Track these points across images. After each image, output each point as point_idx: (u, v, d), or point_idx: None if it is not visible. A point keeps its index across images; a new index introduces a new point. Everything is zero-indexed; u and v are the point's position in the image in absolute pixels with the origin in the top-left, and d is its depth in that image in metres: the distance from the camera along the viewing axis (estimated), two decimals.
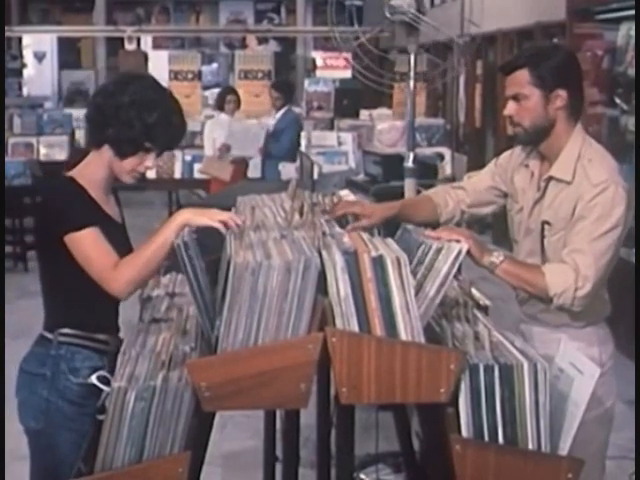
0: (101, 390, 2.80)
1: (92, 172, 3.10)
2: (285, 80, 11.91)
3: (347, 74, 15.77)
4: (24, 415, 3.08)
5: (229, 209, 3.29)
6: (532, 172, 3.34)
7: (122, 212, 3.30)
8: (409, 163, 5.72)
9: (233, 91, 10.49)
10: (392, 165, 6.67)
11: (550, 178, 3.24)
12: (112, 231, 3.08)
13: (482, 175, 3.56)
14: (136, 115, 2.99)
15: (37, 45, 18.30)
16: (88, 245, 2.95)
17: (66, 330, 3.05)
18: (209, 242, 3.29)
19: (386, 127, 9.79)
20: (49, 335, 3.07)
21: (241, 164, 9.85)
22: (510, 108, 3.24)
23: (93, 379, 2.91)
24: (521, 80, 3.19)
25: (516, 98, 3.21)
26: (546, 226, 3.24)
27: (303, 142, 10.19)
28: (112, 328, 3.20)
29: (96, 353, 3.09)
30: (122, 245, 3.10)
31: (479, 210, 3.55)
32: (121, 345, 3.11)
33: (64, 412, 3.03)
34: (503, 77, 3.29)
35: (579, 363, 2.58)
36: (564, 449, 2.54)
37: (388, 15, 5.42)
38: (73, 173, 3.10)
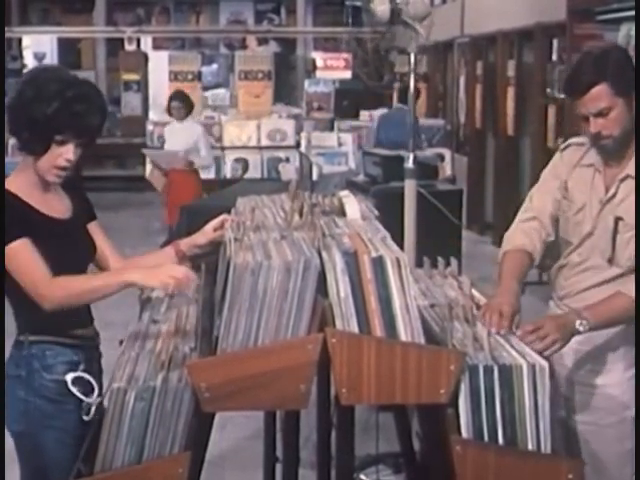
0: (82, 385, 2.82)
1: (23, 177, 3.06)
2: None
3: (347, 75, 15.78)
4: (7, 419, 3.07)
5: (229, 210, 3.30)
6: (597, 170, 3.28)
7: (85, 206, 3.24)
8: (409, 164, 5.73)
9: (179, 97, 10.04)
10: (392, 166, 6.67)
11: (627, 176, 3.21)
12: (54, 231, 3.04)
13: (544, 194, 3.43)
14: (37, 110, 2.93)
15: (37, 46, 18.31)
16: (16, 260, 2.92)
17: (36, 330, 3.04)
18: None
19: None
20: (21, 337, 3.07)
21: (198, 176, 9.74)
22: (597, 125, 3.15)
23: (68, 380, 2.93)
24: (602, 95, 3.11)
25: (600, 114, 3.13)
26: (620, 222, 3.20)
27: (303, 143, 10.18)
28: (83, 321, 3.17)
29: (69, 348, 3.08)
30: (73, 243, 3.08)
31: (553, 236, 3.40)
32: (98, 337, 3.21)
33: (43, 410, 3.02)
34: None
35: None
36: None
37: (364, 19, 5.50)
38: (7, 182, 3.05)
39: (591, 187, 3.29)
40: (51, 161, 3.00)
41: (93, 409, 2.87)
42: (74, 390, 2.92)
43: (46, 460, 3.03)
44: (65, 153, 2.99)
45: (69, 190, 3.19)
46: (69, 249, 3.04)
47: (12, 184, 3.04)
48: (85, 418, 2.87)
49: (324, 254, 2.58)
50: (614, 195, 3.23)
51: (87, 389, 2.96)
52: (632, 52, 7.01)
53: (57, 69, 3.14)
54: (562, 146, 3.45)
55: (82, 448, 2.71)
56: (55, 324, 3.04)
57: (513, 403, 2.49)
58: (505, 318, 2.86)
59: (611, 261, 3.20)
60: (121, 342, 2.96)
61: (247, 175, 10.16)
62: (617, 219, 3.21)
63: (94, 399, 2.91)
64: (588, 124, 3.18)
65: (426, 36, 5.63)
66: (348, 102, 12.61)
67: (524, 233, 3.36)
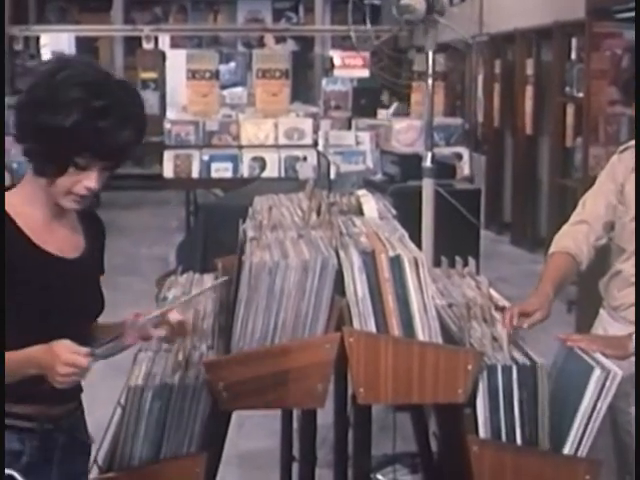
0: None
1: (26, 196, 2.32)
2: None
3: (365, 73, 15.77)
4: None
5: (246, 209, 3.29)
6: None
7: (97, 238, 2.50)
8: (427, 163, 5.71)
9: None
10: (410, 165, 6.65)
11: None
12: (50, 269, 2.30)
13: (597, 199, 3.32)
14: (49, 120, 2.18)
15: (55, 44, 18.35)
16: None
17: None
18: (225, 239, 3.29)
19: (404, 126, 9.78)
20: None
21: None
22: None
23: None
24: None
25: None
26: None
27: (321, 141, 10.17)
28: (40, 397, 2.30)
29: (13, 432, 2.30)
30: (70, 285, 2.34)
31: (605, 240, 3.32)
32: (71, 417, 2.43)
33: None
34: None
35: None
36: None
37: (396, 15, 5.38)
38: (7, 198, 2.32)
39: None
40: (67, 186, 2.26)
41: None
42: None
43: None
44: (86, 180, 2.25)
45: (87, 221, 2.49)
46: (67, 294, 2.32)
47: (13, 204, 2.31)
48: None
49: (341, 253, 2.58)
50: None
51: None
52: None
53: (83, 65, 2.29)
54: (620, 148, 3.32)
55: (99, 447, 2.70)
56: (9, 395, 2.24)
57: (531, 403, 2.48)
58: (523, 316, 2.85)
59: None
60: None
61: (264, 174, 10.12)
62: None
63: None
64: None
65: (470, 35, 5.55)
66: (366, 101, 12.59)
67: (570, 236, 3.29)
